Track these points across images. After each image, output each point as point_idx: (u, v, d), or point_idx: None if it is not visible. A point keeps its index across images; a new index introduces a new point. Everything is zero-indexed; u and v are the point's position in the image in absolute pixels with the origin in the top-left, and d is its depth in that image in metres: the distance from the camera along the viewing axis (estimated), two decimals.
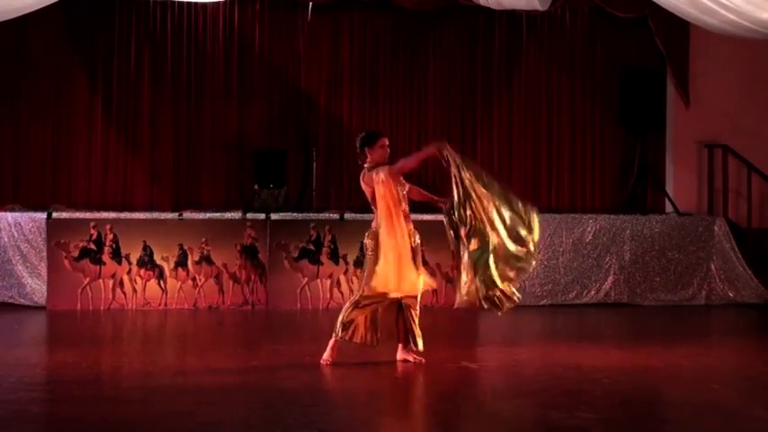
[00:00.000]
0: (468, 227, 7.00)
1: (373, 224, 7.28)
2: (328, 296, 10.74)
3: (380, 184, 7.18)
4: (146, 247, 10.53)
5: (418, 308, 7.32)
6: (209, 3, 11.93)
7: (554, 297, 11.18)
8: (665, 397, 6.76)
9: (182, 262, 10.59)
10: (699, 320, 10.63)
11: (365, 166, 7.33)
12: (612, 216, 11.48)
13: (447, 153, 7.07)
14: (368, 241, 7.26)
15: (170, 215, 10.99)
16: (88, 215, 10.77)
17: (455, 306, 7.18)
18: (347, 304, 7.34)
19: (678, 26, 12.16)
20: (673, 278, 11.38)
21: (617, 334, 9.78)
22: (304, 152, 12.02)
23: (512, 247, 6.97)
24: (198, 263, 10.61)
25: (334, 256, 10.79)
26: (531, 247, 7.03)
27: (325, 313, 10.48)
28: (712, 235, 11.45)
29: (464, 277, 6.97)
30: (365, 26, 12.61)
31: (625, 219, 11.42)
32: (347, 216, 10.93)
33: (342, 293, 10.67)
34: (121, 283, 10.48)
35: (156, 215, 10.97)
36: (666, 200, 12.48)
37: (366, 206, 7.58)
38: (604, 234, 11.29)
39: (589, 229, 11.28)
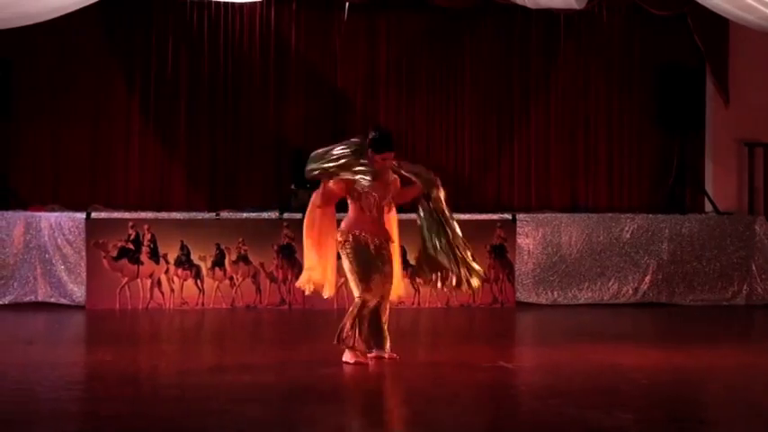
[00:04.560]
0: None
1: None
2: None
3: None
4: (183, 247, 10.58)
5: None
6: (246, 3, 11.97)
7: (591, 296, 11.12)
8: (704, 398, 6.71)
9: (219, 261, 10.63)
10: (739, 321, 10.53)
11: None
12: (651, 215, 11.39)
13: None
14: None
15: (207, 215, 11.03)
16: (126, 215, 10.84)
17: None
18: None
19: (717, 23, 12.02)
20: (712, 278, 11.27)
21: (655, 334, 9.71)
22: None
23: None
24: (235, 262, 10.64)
25: None
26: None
27: None
28: (753, 234, 11.33)
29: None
30: (401, 26, 12.59)
31: (663, 218, 11.33)
32: None
33: None
34: (159, 283, 10.53)
35: (193, 215, 11.00)
36: (706, 199, 12.36)
37: (401, 206, 7.64)
38: (642, 233, 11.21)
39: (627, 228, 11.20)
